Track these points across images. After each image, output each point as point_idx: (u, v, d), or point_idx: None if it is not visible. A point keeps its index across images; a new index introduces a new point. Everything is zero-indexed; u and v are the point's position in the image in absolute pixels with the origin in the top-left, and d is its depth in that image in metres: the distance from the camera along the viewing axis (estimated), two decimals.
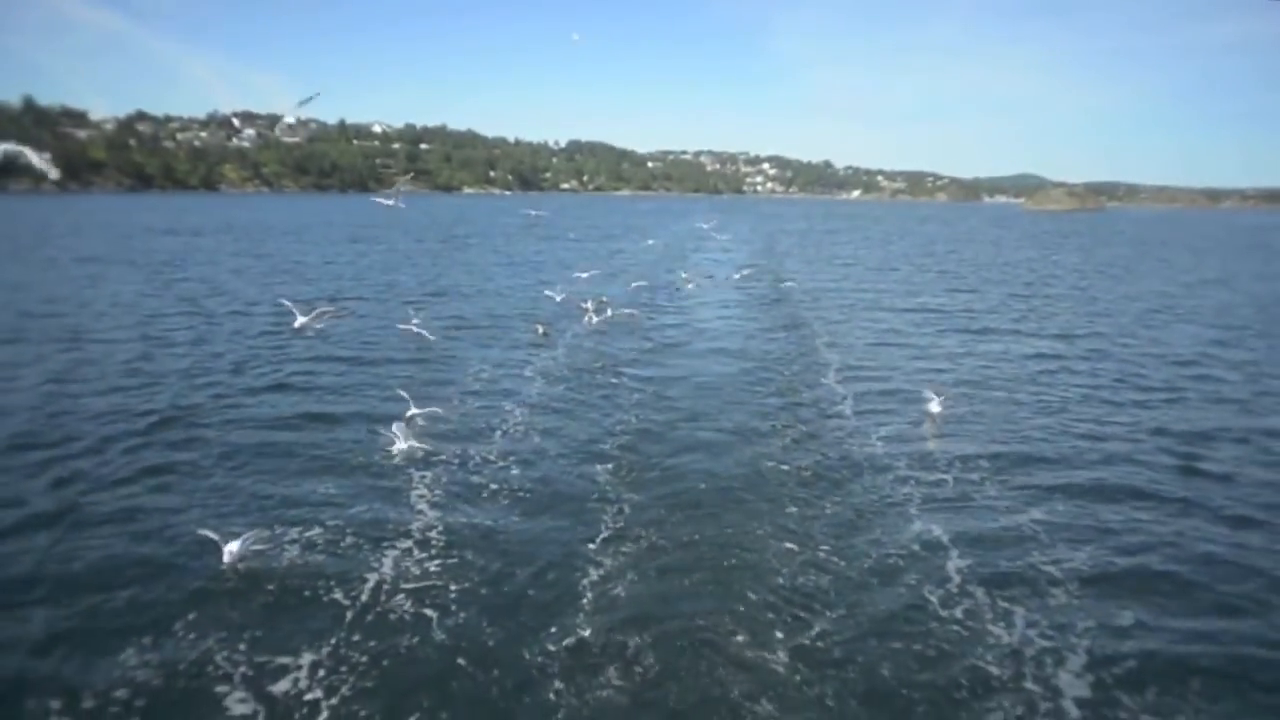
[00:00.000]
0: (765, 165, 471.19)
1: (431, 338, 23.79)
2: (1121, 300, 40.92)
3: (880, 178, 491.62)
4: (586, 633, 9.33)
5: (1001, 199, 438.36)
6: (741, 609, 10.01)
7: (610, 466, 14.83)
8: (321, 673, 8.45)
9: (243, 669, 8.49)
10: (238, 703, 8.00)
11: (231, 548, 10.31)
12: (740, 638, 9.37)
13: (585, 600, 10.06)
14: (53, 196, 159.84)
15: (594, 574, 10.78)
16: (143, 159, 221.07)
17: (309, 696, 8.08)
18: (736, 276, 45.83)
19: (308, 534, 11.62)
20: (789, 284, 44.76)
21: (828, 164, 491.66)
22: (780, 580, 10.78)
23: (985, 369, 23.92)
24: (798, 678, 8.61)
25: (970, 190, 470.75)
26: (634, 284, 36.97)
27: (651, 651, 9.03)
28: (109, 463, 14.39)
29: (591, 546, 11.60)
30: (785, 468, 15.11)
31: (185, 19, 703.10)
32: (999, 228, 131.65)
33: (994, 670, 8.78)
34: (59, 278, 40.24)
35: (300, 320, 18.31)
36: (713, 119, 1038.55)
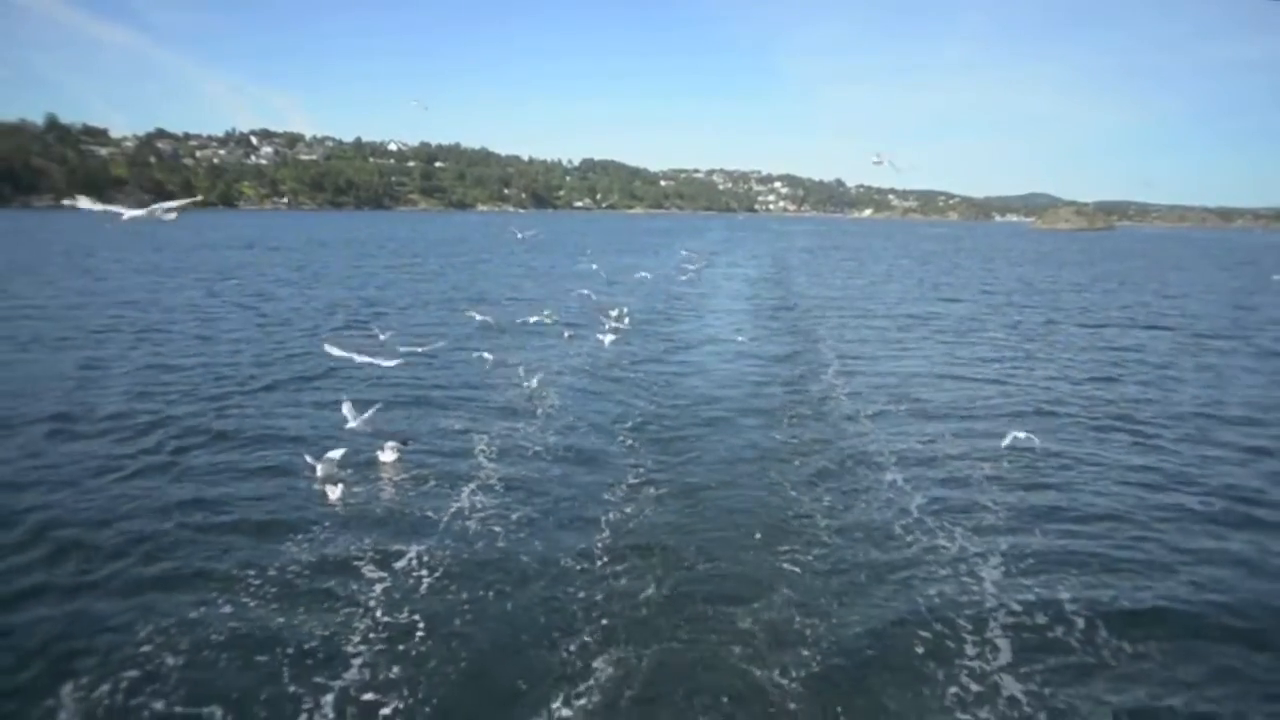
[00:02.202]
0: (777, 184, 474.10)
1: (470, 336, 26.55)
2: (1096, 309, 43.59)
3: (892, 196, 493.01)
4: (608, 548, 12.23)
5: (1013, 218, 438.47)
6: (743, 534, 12.88)
7: (631, 434, 17.85)
8: (426, 558, 11.47)
9: (370, 553, 11.61)
10: (371, 572, 11.10)
11: (339, 475, 13.72)
12: (742, 555, 12.23)
13: (607, 529, 12.92)
14: (76, 213, 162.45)
15: (615, 508, 13.78)
16: (163, 176, 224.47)
17: (416, 574, 11.09)
18: (746, 288, 48.84)
19: (397, 477, 14.64)
20: (795, 294, 47.71)
21: (839, 182, 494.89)
22: (776, 510, 13.80)
23: (961, 362, 26.89)
24: (797, 580, 11.53)
25: (981, 209, 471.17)
26: (651, 294, 39.76)
27: (658, 562, 11.90)
28: (228, 411, 17.45)
29: (613, 491, 14.62)
30: (785, 435, 18.08)
31: (204, 39, 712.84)
32: (1004, 246, 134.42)
33: (938, 568, 11.66)
34: (123, 286, 43.51)
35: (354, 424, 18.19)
36: (725, 138, 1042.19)
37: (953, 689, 8.87)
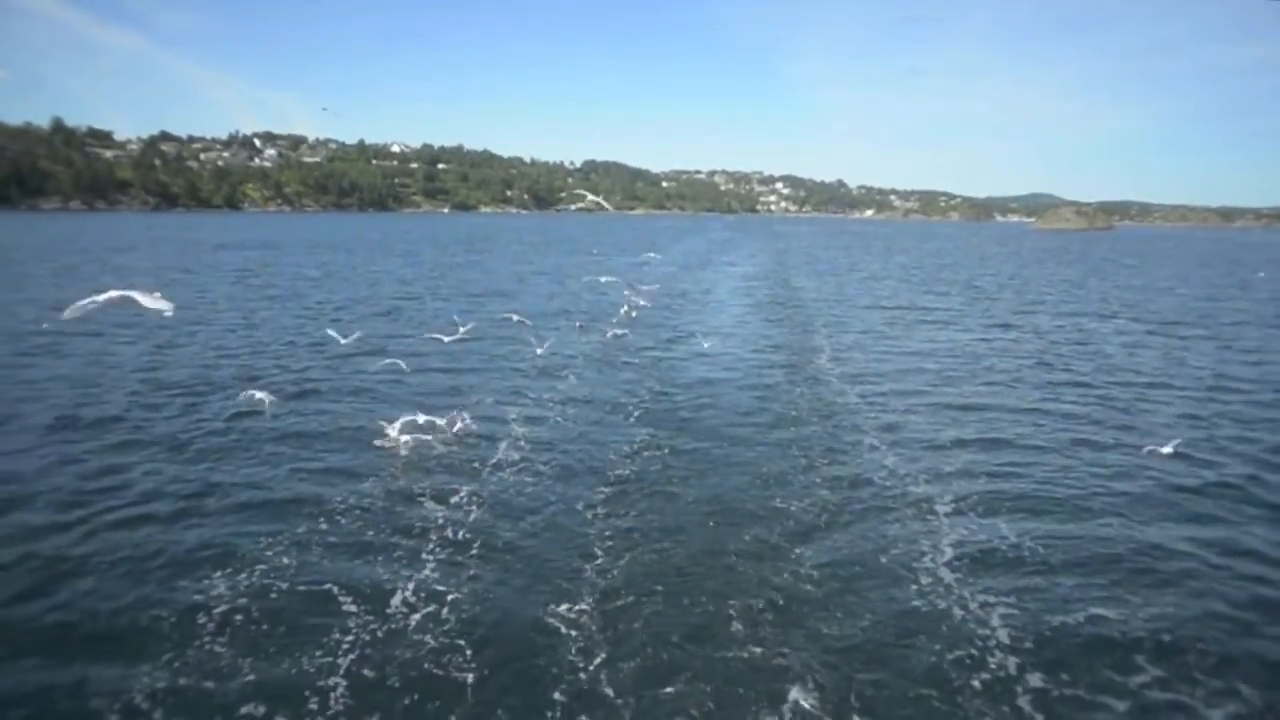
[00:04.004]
0: (779, 184, 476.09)
1: (493, 328, 28.53)
2: (1073, 301, 46.02)
3: (893, 197, 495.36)
4: (618, 490, 14.49)
5: (1014, 218, 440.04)
6: (737, 481, 15.11)
7: (639, 405, 20.11)
8: (473, 497, 13.80)
9: (430, 491, 14.03)
10: (433, 505, 13.44)
11: (401, 434, 16.34)
12: (734, 496, 14.50)
13: (616, 477, 15.21)
14: (83, 215, 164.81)
15: (623, 464, 16.06)
16: (168, 178, 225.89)
17: (467, 507, 13.39)
18: (746, 285, 51.08)
19: (446, 437, 16.91)
20: (793, 289, 49.96)
21: (841, 183, 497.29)
22: (768, 461, 16.12)
23: (941, 345, 29.27)
24: (784, 513, 13.83)
25: (983, 209, 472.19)
26: (655, 289, 41.74)
27: (661, 502, 14.21)
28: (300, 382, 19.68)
29: (621, 450, 16.88)
30: (781, 405, 20.38)
31: (206, 42, 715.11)
32: (1000, 245, 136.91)
33: (903, 504, 13.99)
34: (154, 283, 45.35)
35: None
36: (727, 138, 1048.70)
37: (911, 586, 11.09)
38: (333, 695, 8.31)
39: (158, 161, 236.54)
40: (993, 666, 9.04)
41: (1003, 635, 9.65)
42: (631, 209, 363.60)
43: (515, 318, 29.72)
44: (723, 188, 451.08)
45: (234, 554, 11.43)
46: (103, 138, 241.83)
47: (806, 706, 8.36)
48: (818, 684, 8.70)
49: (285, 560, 11.25)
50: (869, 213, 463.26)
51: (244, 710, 8.07)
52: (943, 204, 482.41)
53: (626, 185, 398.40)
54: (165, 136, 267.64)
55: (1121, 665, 9.22)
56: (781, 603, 10.50)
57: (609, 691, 8.59)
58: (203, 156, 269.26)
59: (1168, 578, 11.42)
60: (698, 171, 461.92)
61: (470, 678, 8.73)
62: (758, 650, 9.40)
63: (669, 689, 8.69)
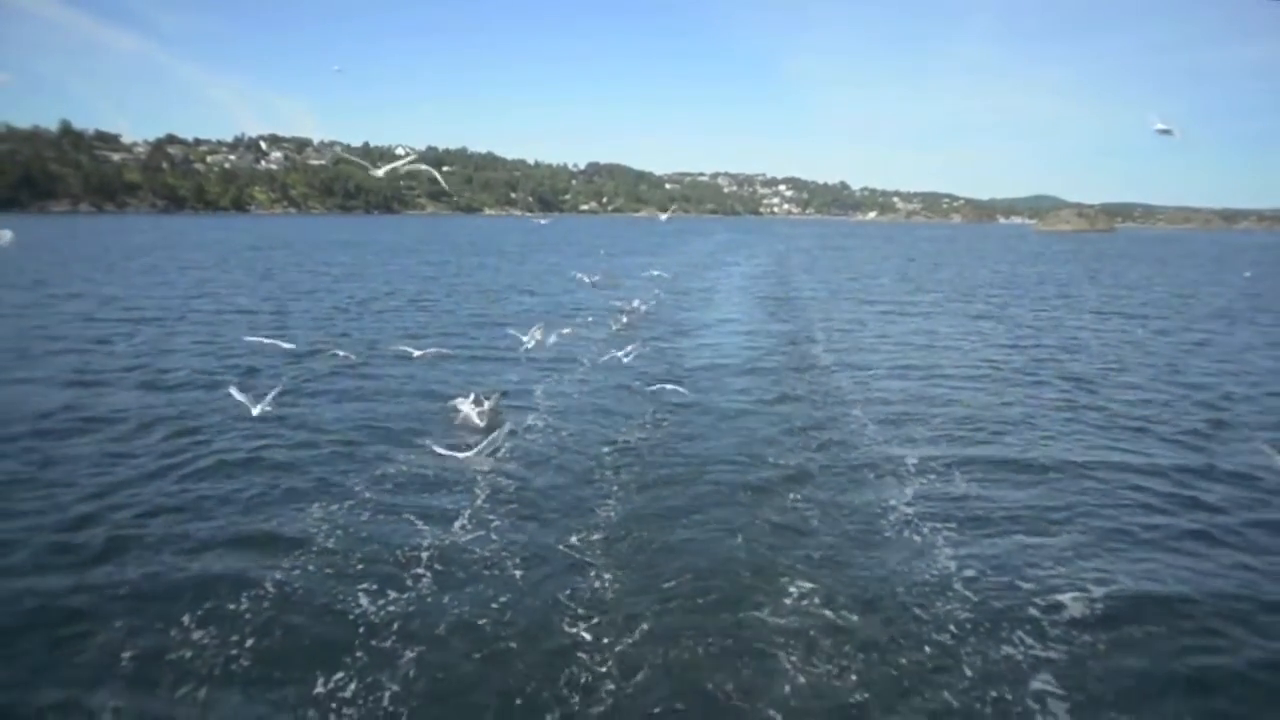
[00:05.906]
0: (782, 186, 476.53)
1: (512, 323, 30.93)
2: (1054, 298, 48.65)
3: (896, 199, 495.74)
4: (627, 456, 16.91)
5: (1017, 220, 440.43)
6: (733, 447, 17.42)
7: (647, 387, 22.13)
8: (512, 454, 16.16)
9: (474, 449, 15.77)
10: (479, 463, 15.39)
11: (469, 407, 18.82)
12: (730, 458, 16.79)
13: (625, 444, 17.59)
14: (92, 217, 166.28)
15: (633, 433, 18.44)
16: (176, 181, 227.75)
17: (506, 461, 15.74)
18: (749, 284, 53.70)
19: (479, 408, 18.90)
20: (793, 287, 52.51)
21: (844, 185, 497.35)
22: (764, 432, 18.51)
23: (924, 334, 31.95)
24: (781, 472, 16.14)
25: (986, 211, 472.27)
26: (662, 286, 44.18)
27: (666, 462, 16.52)
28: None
29: (631, 424, 19.24)
30: (782, 388, 22.81)
31: (210, 44, 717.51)
32: (998, 246, 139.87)
33: (881, 461, 16.32)
34: (182, 280, 48.64)
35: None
36: (730, 140, 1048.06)
37: (883, 527, 13.34)
38: (422, 583, 10.72)
39: (165, 164, 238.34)
40: (939, 569, 11.39)
41: (947, 551, 12.05)
42: (636, 211, 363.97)
43: (531, 312, 32.14)
44: (726, 190, 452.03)
45: (324, 490, 14.00)
46: (110, 140, 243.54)
47: (786, 604, 10.57)
48: (796, 587, 10.98)
49: (367, 495, 13.77)
50: (872, 215, 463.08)
51: (360, 588, 10.49)
52: (945, 206, 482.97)
53: (630, 187, 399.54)
54: (172, 139, 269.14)
55: (1034, 550, 11.84)
56: (769, 530, 12.82)
57: (614, 593, 10.80)
58: (209, 159, 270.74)
59: (1079, 492, 14.60)
60: (701, 174, 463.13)
61: (519, 574, 11.09)
62: (746, 560, 11.73)
63: (667, 584, 10.98)
